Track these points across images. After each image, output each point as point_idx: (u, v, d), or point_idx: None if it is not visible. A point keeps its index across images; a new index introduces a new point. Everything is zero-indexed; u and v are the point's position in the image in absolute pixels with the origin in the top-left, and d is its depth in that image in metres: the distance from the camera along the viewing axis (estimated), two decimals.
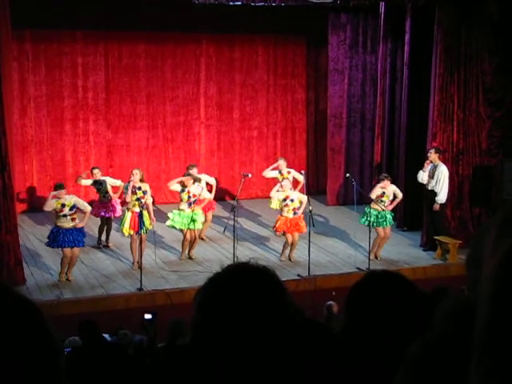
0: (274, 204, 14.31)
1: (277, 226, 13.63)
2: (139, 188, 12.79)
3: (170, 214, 13.58)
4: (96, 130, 17.57)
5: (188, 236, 13.46)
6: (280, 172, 15.04)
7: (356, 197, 14.13)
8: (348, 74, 18.00)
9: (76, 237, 12.30)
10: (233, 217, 12.95)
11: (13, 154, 12.51)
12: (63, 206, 12.18)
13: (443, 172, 13.97)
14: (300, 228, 13.53)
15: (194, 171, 14.31)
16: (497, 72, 14.71)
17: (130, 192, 12.74)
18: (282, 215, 13.56)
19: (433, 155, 14.06)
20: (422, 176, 14.06)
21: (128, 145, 17.81)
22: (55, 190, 12.42)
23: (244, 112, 18.76)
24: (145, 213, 12.72)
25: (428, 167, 14.07)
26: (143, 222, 12.59)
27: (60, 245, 12.31)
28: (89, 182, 14.15)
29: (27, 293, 11.08)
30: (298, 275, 12.72)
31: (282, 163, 15.17)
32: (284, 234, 13.70)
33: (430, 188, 14.09)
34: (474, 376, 0.87)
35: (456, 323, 1.38)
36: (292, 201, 13.49)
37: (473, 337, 0.90)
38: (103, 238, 14.37)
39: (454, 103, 14.59)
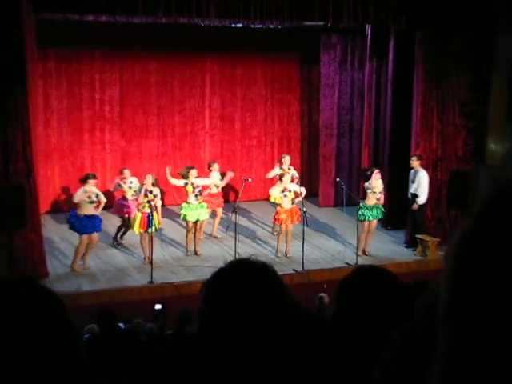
0: (273, 198, 14.20)
1: (278, 217, 13.56)
2: (151, 191, 12.82)
3: (182, 210, 13.56)
4: (111, 139, 17.57)
5: (192, 228, 13.41)
6: (281, 168, 14.99)
7: (345, 199, 14.24)
8: (338, 88, 18.00)
9: (96, 223, 12.59)
10: (234, 217, 12.96)
11: (37, 161, 12.51)
12: (91, 194, 12.54)
13: (423, 177, 14.00)
14: (298, 217, 13.49)
15: (214, 167, 14.67)
16: (470, 88, 14.75)
17: (142, 194, 12.78)
18: (281, 206, 13.51)
19: (414, 162, 14.08)
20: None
21: (140, 152, 17.80)
22: (86, 180, 12.80)
23: (244, 123, 18.76)
24: (154, 213, 12.73)
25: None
26: (152, 222, 12.62)
27: (81, 231, 12.51)
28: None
29: (50, 285, 11.04)
30: (293, 270, 12.73)
31: (287, 159, 15.14)
32: (280, 224, 13.61)
33: (412, 191, 14.11)
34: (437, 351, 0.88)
35: (434, 314, 1.38)
36: (290, 191, 13.48)
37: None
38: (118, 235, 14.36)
39: (434, 116, 14.62)
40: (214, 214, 14.82)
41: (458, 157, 14.94)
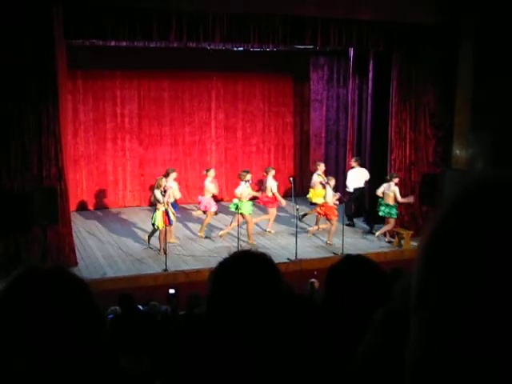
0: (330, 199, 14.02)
1: (321, 209, 13.79)
2: (165, 191, 12.79)
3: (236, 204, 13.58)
4: (131, 147, 17.55)
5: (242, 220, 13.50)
6: (319, 174, 14.92)
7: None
8: (326, 103, 18.01)
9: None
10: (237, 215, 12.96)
11: (67, 166, 12.51)
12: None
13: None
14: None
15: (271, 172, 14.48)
16: (439, 102, 14.76)
17: (167, 195, 12.70)
18: (327, 203, 13.72)
19: (354, 163, 15.25)
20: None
21: (155, 158, 17.79)
22: (166, 176, 13.17)
23: (245, 132, 18.75)
24: (169, 210, 12.72)
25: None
26: (170, 217, 12.65)
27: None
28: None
29: (78, 273, 11.08)
30: (288, 259, 12.71)
31: (322, 166, 15.09)
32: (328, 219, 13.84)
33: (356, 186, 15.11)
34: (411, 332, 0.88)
35: (407, 298, 1.38)
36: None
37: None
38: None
39: (407, 126, 14.62)
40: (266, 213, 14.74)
41: (429, 162, 14.94)
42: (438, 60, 14.43)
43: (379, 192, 13.91)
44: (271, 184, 14.30)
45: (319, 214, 14.07)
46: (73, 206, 15.28)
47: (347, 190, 15.38)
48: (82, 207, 17.04)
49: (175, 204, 13.63)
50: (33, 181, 11.76)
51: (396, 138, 14.56)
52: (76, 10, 11.64)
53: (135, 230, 14.83)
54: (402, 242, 13.88)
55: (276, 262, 2.00)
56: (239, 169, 18.09)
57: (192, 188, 18.18)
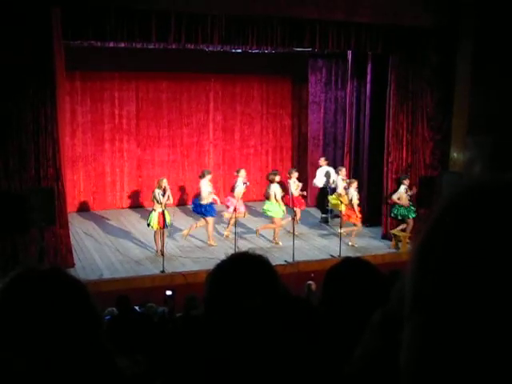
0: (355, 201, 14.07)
1: (347, 214, 13.90)
2: (164, 193, 12.76)
3: (270, 207, 13.64)
4: (128, 148, 17.55)
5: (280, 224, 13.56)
6: (342, 178, 14.94)
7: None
8: (324, 105, 18.01)
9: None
10: (234, 216, 12.96)
11: (65, 167, 12.50)
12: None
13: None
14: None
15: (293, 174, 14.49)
16: (437, 104, 14.77)
17: (165, 198, 12.67)
18: (353, 208, 13.86)
19: (322, 162, 16.10)
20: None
21: (153, 159, 17.79)
22: (201, 177, 13.64)
23: (243, 134, 18.76)
24: (166, 212, 12.70)
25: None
26: (166, 220, 12.62)
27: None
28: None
29: (76, 274, 11.04)
30: (285, 261, 12.71)
31: (344, 170, 15.13)
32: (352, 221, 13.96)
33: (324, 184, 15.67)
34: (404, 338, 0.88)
35: (402, 299, 1.38)
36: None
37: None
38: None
39: (404, 128, 14.64)
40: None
41: (427, 164, 14.95)
42: (436, 63, 14.45)
43: (395, 198, 14.01)
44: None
45: (345, 217, 14.02)
46: (70, 207, 15.23)
47: (315, 186, 16.23)
48: (80, 208, 17.02)
49: (211, 207, 13.57)
50: (30, 181, 11.75)
51: (393, 140, 14.58)
52: (74, 11, 11.64)
53: (133, 231, 14.82)
54: (400, 244, 13.89)
55: (273, 263, 2.00)
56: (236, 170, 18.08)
57: (189, 190, 18.18)
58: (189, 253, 13.22)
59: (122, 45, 13.77)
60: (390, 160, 14.63)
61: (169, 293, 9.42)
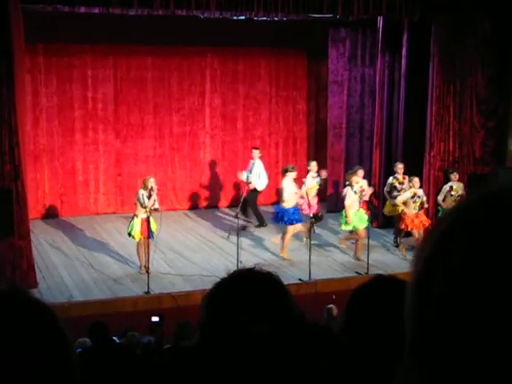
0: (401, 207, 14.14)
1: (405, 223, 13.91)
2: (150, 195, 12.75)
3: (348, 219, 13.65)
4: (105, 140, 17.59)
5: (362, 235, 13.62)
6: (395, 177, 14.87)
7: None
8: (347, 85, 18.00)
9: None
10: (236, 223, 12.97)
11: (25, 163, 12.53)
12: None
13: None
14: (426, 221, 13.91)
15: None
16: (489, 84, 14.74)
17: (152, 200, 12.67)
18: (406, 213, 13.87)
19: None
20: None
21: (136, 154, 17.82)
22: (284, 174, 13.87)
23: (247, 122, 18.78)
24: (151, 219, 12.73)
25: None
26: (151, 228, 12.64)
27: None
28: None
29: (39, 295, 11.08)
30: (299, 279, 12.71)
31: (401, 167, 15.08)
32: (410, 231, 14.02)
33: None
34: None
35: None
36: (419, 197, 13.85)
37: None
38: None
39: (450, 114, 14.62)
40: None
41: (476, 158, 14.93)
42: (489, 31, 14.42)
43: (440, 199, 14.06)
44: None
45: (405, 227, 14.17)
46: (32, 213, 15.29)
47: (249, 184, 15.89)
48: (45, 214, 17.06)
49: (296, 212, 13.71)
50: None
51: (437, 129, 14.56)
52: None
53: (110, 242, 14.85)
54: None
55: (285, 282, 2.01)
56: (239, 167, 18.13)
57: (180, 191, 18.21)
58: (179, 269, 13.24)
59: (96, 10, 13.79)
60: (432, 154, 14.61)
61: (155, 319, 9.43)
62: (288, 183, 13.66)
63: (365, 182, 14.10)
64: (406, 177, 14.54)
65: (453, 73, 14.50)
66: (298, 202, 13.91)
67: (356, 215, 13.54)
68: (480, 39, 14.45)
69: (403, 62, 15.40)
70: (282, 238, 13.93)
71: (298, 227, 13.90)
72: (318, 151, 19.27)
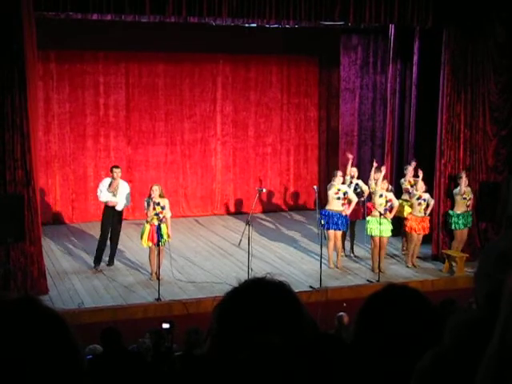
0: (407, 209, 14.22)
1: (408, 225, 13.92)
2: (158, 203, 12.77)
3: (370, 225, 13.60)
4: (116, 146, 17.63)
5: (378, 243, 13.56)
6: (405, 179, 14.85)
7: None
8: (359, 93, 18.01)
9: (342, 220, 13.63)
10: (248, 230, 12.95)
11: (37, 169, 12.55)
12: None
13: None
14: (426, 228, 13.97)
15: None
16: (502, 91, 14.69)
17: (151, 208, 12.70)
18: (412, 214, 13.89)
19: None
20: None
21: (147, 160, 17.85)
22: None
23: (258, 129, 18.79)
24: (163, 226, 12.72)
25: None
26: (161, 235, 12.62)
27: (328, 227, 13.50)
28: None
29: (50, 302, 11.11)
30: (310, 287, 12.69)
31: (411, 169, 14.97)
32: (409, 233, 14.01)
33: None
34: None
35: (465, 338, 1.37)
36: (424, 200, 13.88)
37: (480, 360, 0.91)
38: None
39: (461, 122, 14.57)
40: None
41: (489, 166, 14.87)
42: (502, 38, 14.38)
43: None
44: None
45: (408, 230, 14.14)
46: (44, 219, 15.33)
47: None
48: (56, 220, 17.10)
49: (342, 218, 13.69)
50: None
51: (448, 137, 14.52)
52: None
53: (121, 249, 14.85)
54: (454, 267, 13.82)
55: (295, 290, 2.00)
56: (251, 174, 18.16)
57: (192, 198, 18.23)
58: (190, 276, 13.24)
59: (109, 17, 13.85)
60: (443, 162, 14.57)
61: (166, 326, 9.41)
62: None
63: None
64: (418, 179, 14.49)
65: (464, 80, 14.45)
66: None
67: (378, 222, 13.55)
68: (492, 46, 14.41)
69: (414, 69, 15.38)
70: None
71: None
72: (328, 158, 19.27)
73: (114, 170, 13.52)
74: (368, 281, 13.14)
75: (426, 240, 14.51)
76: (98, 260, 13.47)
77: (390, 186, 13.99)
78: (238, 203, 18.59)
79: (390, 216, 13.57)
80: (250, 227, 13.07)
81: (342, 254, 14.27)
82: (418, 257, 14.28)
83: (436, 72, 14.57)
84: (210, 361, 1.89)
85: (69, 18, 13.88)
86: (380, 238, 13.49)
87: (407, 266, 14.06)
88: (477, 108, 14.64)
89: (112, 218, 13.42)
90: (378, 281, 12.80)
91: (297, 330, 1.81)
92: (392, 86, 16.33)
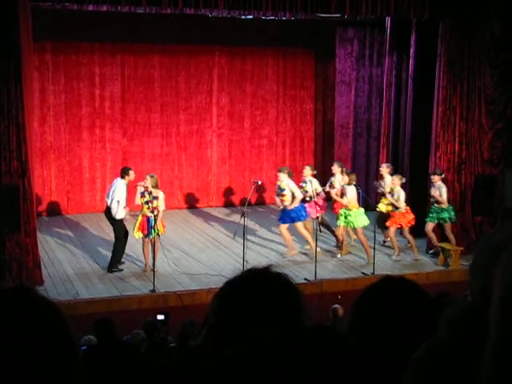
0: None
1: (394, 220, 14.05)
2: (150, 193, 12.73)
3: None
4: (112, 138, 17.61)
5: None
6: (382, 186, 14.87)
7: (362, 203, 14.17)
8: (355, 85, 18.01)
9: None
10: (243, 222, 12.96)
11: (32, 160, 12.54)
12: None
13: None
14: (411, 219, 14.14)
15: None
16: (498, 85, 14.70)
17: (138, 196, 12.73)
18: (397, 209, 14.09)
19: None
20: None
21: (142, 152, 17.84)
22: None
23: (254, 121, 18.78)
24: (158, 217, 12.70)
25: None
26: (152, 226, 12.57)
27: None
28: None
29: (45, 293, 11.10)
30: (305, 279, 12.70)
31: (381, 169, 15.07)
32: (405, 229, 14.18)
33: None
34: None
35: (460, 329, 1.38)
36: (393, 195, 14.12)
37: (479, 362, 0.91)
38: None
39: (457, 114, 14.58)
40: None
41: (484, 160, 14.88)
42: (498, 31, 14.38)
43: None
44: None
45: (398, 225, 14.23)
46: (39, 210, 15.33)
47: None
48: (51, 211, 17.09)
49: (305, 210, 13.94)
50: None
51: (443, 130, 14.54)
52: None
53: None
54: (449, 260, 13.85)
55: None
56: (246, 166, 18.16)
57: (187, 189, 18.22)
58: (185, 268, 13.25)
59: (104, 8, 13.81)
60: (438, 155, 14.58)
61: (160, 317, 9.42)
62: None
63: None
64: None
65: (460, 73, 14.46)
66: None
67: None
68: (488, 39, 14.41)
69: (411, 62, 15.37)
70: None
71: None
72: (324, 151, 19.28)
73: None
74: (363, 273, 13.16)
75: (422, 233, 14.53)
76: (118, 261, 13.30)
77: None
78: (234, 195, 18.59)
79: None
80: (246, 219, 13.07)
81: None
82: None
83: (432, 65, 14.57)
84: (205, 351, 1.89)
85: (65, 9, 13.85)
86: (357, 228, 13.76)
87: (416, 260, 14.08)
88: (472, 101, 14.65)
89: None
90: (373, 273, 12.81)
91: (295, 322, 1.82)
92: (388, 79, 16.32)
